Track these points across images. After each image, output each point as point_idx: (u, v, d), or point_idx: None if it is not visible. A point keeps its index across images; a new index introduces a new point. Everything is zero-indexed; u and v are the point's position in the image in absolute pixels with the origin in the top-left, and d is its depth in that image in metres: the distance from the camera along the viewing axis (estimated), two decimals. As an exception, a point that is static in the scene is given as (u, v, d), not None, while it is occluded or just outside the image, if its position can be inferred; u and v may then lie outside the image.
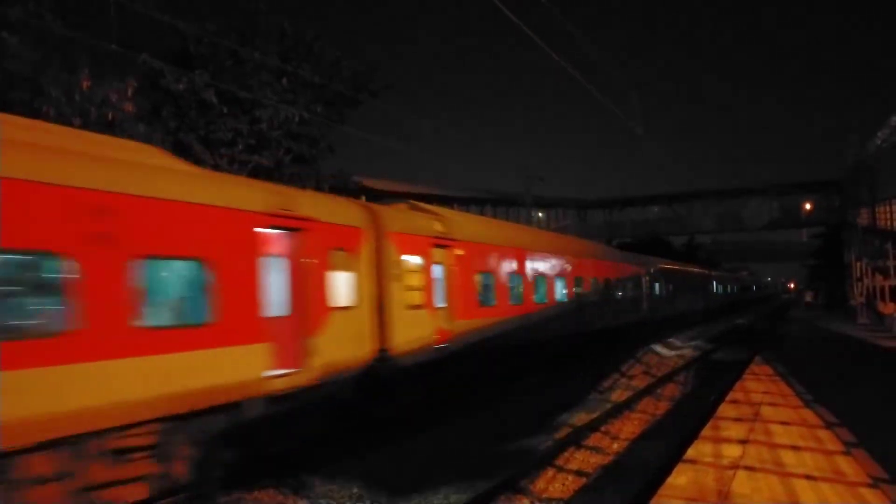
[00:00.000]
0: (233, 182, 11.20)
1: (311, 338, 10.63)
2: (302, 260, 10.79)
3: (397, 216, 14.31)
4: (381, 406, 12.89)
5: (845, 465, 8.18)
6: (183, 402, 8.35)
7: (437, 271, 14.88)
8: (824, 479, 7.58)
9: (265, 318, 9.77)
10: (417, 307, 13.95)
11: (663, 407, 17.66)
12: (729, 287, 75.84)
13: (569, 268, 22.99)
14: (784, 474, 7.80)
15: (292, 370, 10.11)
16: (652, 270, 35.86)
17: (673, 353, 31.53)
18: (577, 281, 23.72)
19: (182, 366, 8.37)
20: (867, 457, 8.45)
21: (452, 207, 55.00)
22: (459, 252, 15.66)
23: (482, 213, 59.42)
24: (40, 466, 7.06)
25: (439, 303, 14.79)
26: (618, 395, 18.79)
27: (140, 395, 7.85)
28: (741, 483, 7.46)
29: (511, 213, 61.85)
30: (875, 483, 7.38)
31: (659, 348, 31.85)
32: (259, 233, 9.91)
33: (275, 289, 10.20)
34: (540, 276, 20.44)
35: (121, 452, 7.77)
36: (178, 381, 8.30)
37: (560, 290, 22.16)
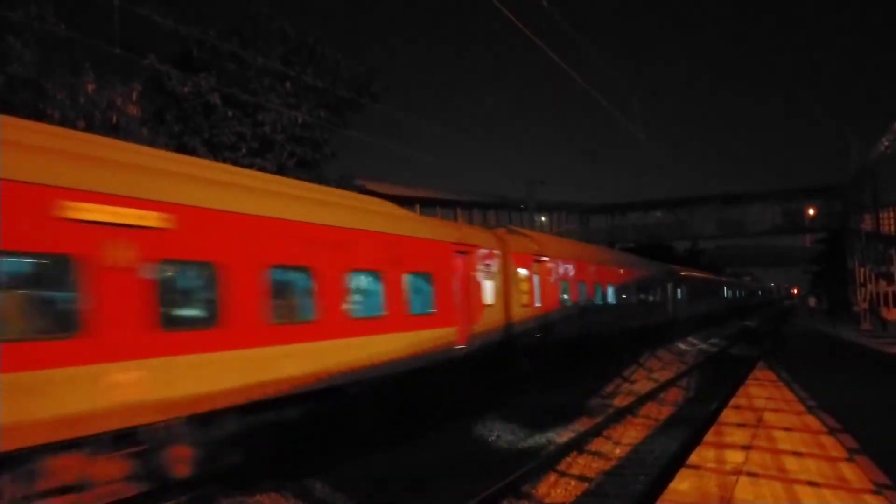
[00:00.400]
0: (442, 224, 18.15)
1: (474, 325, 15.86)
2: (469, 272, 15.98)
3: (514, 240, 19.39)
4: (508, 371, 18.01)
5: (848, 471, 8.15)
6: (428, 359, 13.86)
7: (535, 279, 19.85)
8: (827, 486, 7.55)
9: (455, 310, 15.08)
10: (526, 306, 19.01)
11: (666, 412, 17.63)
12: (738, 292, 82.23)
13: (617, 275, 28.42)
14: (787, 480, 7.77)
15: (464, 345, 15.40)
16: (675, 278, 40.97)
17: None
18: (622, 286, 28.98)
19: (429, 337, 13.99)
20: (871, 463, 8.42)
21: (455, 211, 55.10)
22: (549, 265, 20.76)
23: (484, 217, 59.44)
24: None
25: (537, 302, 19.81)
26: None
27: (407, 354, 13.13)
28: (744, 489, 7.43)
29: (514, 217, 61.87)
30: (878, 489, 7.35)
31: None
32: (453, 255, 15.31)
33: (457, 291, 15.30)
34: (598, 283, 25.71)
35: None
36: (427, 346, 13.88)
37: (611, 294, 27.47)
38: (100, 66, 18.36)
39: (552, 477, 11.23)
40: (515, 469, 10.91)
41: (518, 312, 18.23)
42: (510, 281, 18.01)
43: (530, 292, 19.35)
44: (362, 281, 12.31)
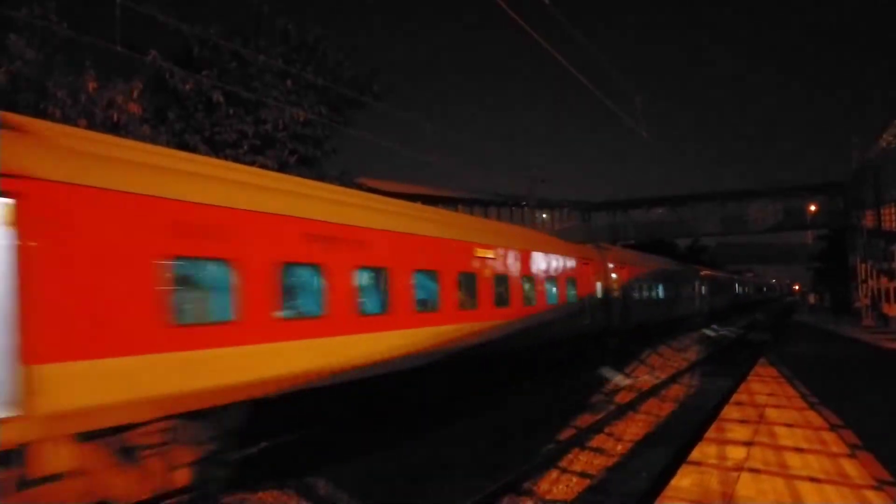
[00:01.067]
0: (576, 247, 23.94)
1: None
2: (590, 276, 23.70)
3: (604, 253, 26.30)
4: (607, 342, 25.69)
5: (850, 467, 8.17)
6: (577, 329, 22.26)
7: (620, 282, 27.26)
8: (829, 482, 7.57)
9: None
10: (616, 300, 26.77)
11: (667, 408, 17.64)
12: (747, 289, 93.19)
13: (661, 277, 35.28)
14: (788, 476, 7.79)
15: (589, 322, 23.41)
16: (699, 276, 49.09)
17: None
18: (666, 286, 36.02)
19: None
20: (872, 459, 8.43)
21: (457, 209, 55.12)
22: (623, 272, 27.80)
23: (486, 215, 59.38)
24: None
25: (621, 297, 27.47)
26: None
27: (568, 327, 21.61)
28: (745, 485, 7.45)
29: (515, 214, 61.83)
30: (880, 485, 7.37)
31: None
32: (579, 265, 22.71)
33: (586, 287, 23.29)
34: (654, 283, 33.37)
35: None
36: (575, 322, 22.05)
37: (661, 292, 34.82)
38: (102, 64, 18.41)
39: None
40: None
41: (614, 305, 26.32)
42: (608, 282, 25.63)
43: (619, 290, 27.13)
44: (553, 282, 20.51)
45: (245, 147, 22.93)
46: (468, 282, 15.25)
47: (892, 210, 35.96)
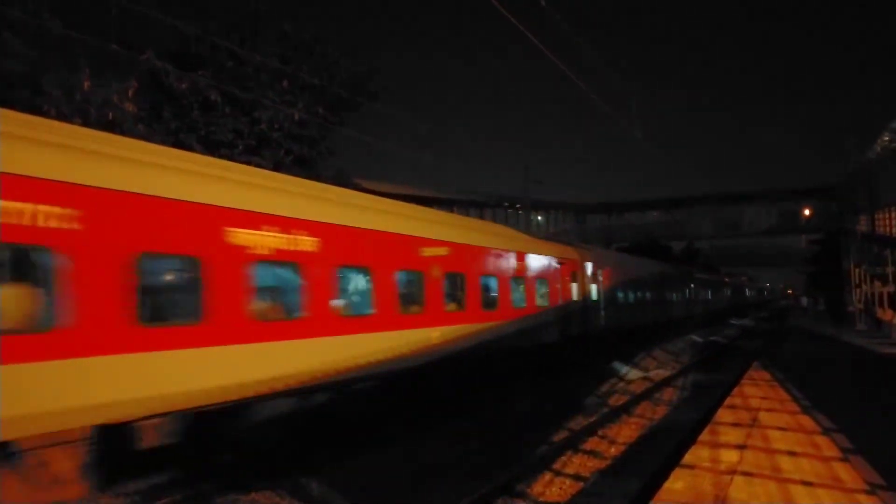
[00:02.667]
0: (558, 246, 22.91)
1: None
2: (564, 277, 22.05)
3: (583, 253, 24.93)
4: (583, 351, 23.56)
5: (843, 471, 8.18)
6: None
7: (599, 282, 26.24)
8: (822, 485, 7.57)
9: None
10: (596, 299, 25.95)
11: (661, 411, 17.67)
12: (747, 291, 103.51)
13: (655, 280, 36.60)
14: (781, 480, 7.79)
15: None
16: (719, 280, 55.89)
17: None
18: (660, 288, 37.40)
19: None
20: (865, 463, 8.45)
21: (452, 210, 55.10)
22: (607, 273, 27.02)
23: (481, 216, 59.39)
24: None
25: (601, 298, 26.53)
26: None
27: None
28: (738, 488, 7.45)
29: (510, 215, 61.86)
30: (872, 489, 7.38)
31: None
32: (560, 266, 21.66)
33: (561, 289, 21.69)
34: (644, 286, 33.38)
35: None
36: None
37: (652, 295, 35.13)
38: (96, 62, 18.33)
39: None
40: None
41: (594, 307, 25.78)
42: (582, 282, 24.13)
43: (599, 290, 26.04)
44: (544, 283, 20.35)
45: (240, 147, 22.87)
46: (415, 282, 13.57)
47: (886, 214, 36.01)
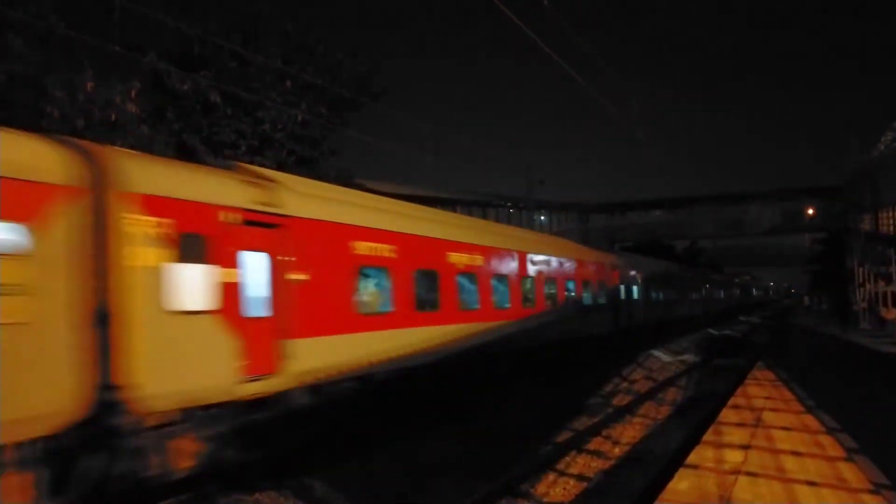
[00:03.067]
0: (609, 255, 27.42)
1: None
2: (616, 280, 27.25)
3: (627, 260, 30.22)
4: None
5: (847, 471, 8.16)
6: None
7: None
8: (826, 485, 7.56)
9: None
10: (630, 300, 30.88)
11: (665, 411, 17.64)
12: (754, 290, 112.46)
13: (679, 281, 41.62)
14: (786, 480, 7.78)
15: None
16: (730, 281, 60.26)
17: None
18: (683, 289, 42.49)
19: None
20: (869, 463, 8.43)
21: (455, 210, 55.13)
22: (644, 276, 32.05)
23: (484, 216, 59.41)
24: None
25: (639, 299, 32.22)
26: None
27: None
28: (743, 489, 7.44)
29: (513, 215, 61.84)
30: (877, 489, 7.37)
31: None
32: (612, 271, 26.74)
33: (615, 290, 27.18)
34: (671, 287, 38.44)
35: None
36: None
37: (677, 295, 40.35)
38: (100, 63, 18.35)
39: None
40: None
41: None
42: (630, 283, 29.21)
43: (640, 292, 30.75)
44: (603, 285, 25.60)
45: (243, 147, 22.89)
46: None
47: (890, 213, 35.97)
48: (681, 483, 7.73)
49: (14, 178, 6.95)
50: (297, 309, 10.43)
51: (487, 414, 15.37)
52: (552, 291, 20.76)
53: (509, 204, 61.54)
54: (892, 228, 35.27)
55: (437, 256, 14.67)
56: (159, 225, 8.31)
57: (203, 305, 8.83)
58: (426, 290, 14.15)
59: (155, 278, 8.20)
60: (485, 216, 59.52)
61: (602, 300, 25.19)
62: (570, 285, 22.33)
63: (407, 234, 13.58)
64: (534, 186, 48.22)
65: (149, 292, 8.12)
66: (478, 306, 16.08)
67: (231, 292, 9.27)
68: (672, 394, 20.52)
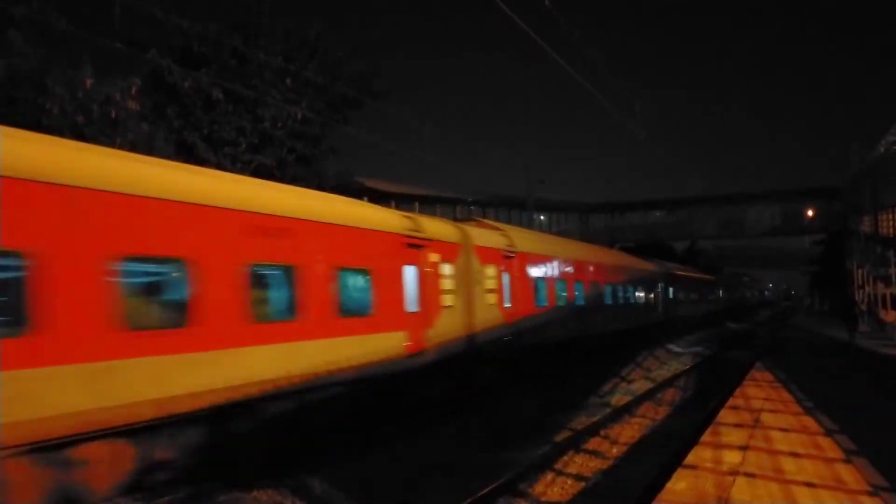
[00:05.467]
0: (650, 262, 37.16)
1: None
2: (658, 284, 38.04)
3: (660, 266, 38.44)
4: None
5: (845, 472, 8.16)
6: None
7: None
8: (824, 487, 7.56)
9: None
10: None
11: (663, 411, 17.65)
12: (763, 292, 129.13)
13: (697, 285, 49.70)
14: (784, 481, 7.78)
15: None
16: (742, 282, 68.72)
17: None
18: (701, 290, 51.39)
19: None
20: (867, 465, 8.43)
21: (455, 209, 55.04)
22: (673, 279, 41.59)
23: (484, 215, 59.38)
24: None
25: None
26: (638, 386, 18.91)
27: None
28: (741, 489, 7.44)
29: (513, 215, 61.78)
30: (875, 491, 7.36)
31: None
32: (652, 276, 36.95)
33: (653, 292, 37.02)
34: (691, 289, 47.02)
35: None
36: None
37: (696, 295, 48.61)
38: (100, 60, 18.35)
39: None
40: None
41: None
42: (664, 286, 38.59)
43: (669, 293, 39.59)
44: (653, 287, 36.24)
45: (244, 145, 22.90)
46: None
47: (889, 215, 35.89)
48: (679, 483, 7.73)
49: (441, 241, 14.84)
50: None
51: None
52: (639, 294, 32.79)
53: (510, 204, 61.42)
54: (892, 230, 35.20)
55: (574, 272, 23.14)
56: (484, 258, 16.74)
57: (498, 300, 17.36)
58: (551, 290, 21.00)
59: (483, 285, 16.74)
60: (484, 215, 59.53)
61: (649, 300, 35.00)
62: (651, 289, 35.12)
63: (546, 255, 21.09)
64: (534, 186, 48.18)
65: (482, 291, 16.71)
66: (610, 301, 26.90)
67: (502, 289, 17.70)
68: (675, 390, 20.55)
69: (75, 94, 17.35)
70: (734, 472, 8.11)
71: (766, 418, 11.69)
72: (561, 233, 60.04)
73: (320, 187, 23.25)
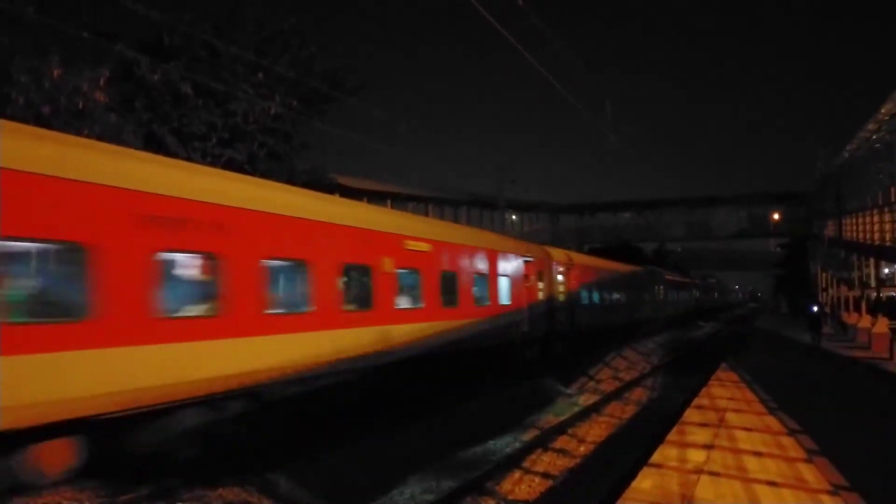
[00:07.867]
0: (673, 274, 59.44)
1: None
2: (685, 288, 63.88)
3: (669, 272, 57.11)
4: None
5: (807, 472, 8.29)
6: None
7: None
8: (786, 486, 7.67)
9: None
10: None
11: (630, 411, 17.81)
12: (733, 294, 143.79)
13: (686, 287, 63.80)
14: (747, 480, 7.88)
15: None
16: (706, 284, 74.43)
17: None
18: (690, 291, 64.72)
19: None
20: (828, 464, 8.58)
21: (427, 207, 54.93)
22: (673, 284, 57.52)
23: (456, 215, 59.40)
24: None
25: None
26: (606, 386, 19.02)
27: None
28: (705, 488, 7.52)
29: (485, 215, 61.90)
30: (836, 490, 7.49)
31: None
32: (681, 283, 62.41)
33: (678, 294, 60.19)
34: (665, 291, 52.50)
35: None
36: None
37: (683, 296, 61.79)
38: (68, 51, 17.98)
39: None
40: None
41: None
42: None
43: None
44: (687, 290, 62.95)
45: (214, 140, 22.61)
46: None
47: (853, 220, 36.62)
48: (644, 482, 7.79)
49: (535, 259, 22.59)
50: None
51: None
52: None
53: (481, 203, 61.51)
54: (854, 234, 35.92)
55: (604, 277, 31.53)
56: (557, 267, 24.87)
57: (565, 297, 25.60)
58: (592, 290, 29.82)
59: (557, 287, 24.67)
60: (457, 215, 59.54)
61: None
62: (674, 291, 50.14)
63: (589, 265, 30.09)
64: (505, 186, 48.37)
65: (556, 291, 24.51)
66: (624, 300, 36.37)
67: (567, 290, 25.69)
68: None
69: (41, 84, 16.98)
70: (699, 471, 8.20)
71: (731, 418, 11.84)
72: (532, 233, 60.30)
73: (291, 182, 23.06)
